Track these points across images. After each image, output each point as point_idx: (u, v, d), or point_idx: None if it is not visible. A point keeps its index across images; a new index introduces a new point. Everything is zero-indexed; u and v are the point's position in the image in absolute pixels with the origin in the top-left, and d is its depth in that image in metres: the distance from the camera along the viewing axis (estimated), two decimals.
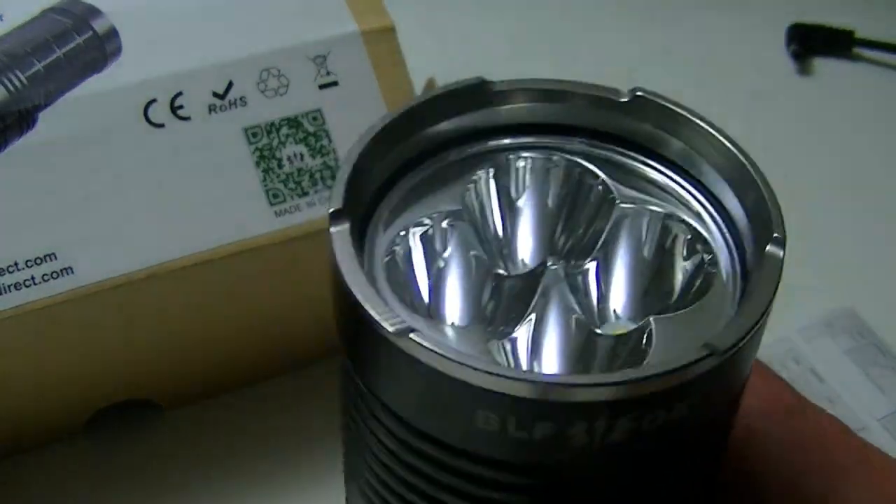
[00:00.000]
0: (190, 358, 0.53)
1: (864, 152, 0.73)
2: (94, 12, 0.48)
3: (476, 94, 0.34)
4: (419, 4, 0.73)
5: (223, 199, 0.47)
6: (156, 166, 0.47)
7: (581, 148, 0.35)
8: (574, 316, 0.34)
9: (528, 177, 0.35)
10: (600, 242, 0.35)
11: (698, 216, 0.34)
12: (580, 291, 0.35)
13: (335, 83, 0.49)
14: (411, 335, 0.27)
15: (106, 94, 0.47)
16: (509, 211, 0.35)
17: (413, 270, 0.33)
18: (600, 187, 0.34)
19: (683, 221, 0.34)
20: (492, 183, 0.35)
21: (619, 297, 0.35)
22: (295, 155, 0.48)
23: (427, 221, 0.33)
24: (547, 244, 0.35)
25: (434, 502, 0.30)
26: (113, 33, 0.48)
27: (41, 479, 0.53)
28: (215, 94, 0.48)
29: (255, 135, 0.48)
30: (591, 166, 0.34)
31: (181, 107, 0.48)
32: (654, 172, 0.34)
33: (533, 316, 0.34)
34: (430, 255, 0.34)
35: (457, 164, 0.34)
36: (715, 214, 0.33)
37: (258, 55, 0.49)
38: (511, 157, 0.35)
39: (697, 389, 0.28)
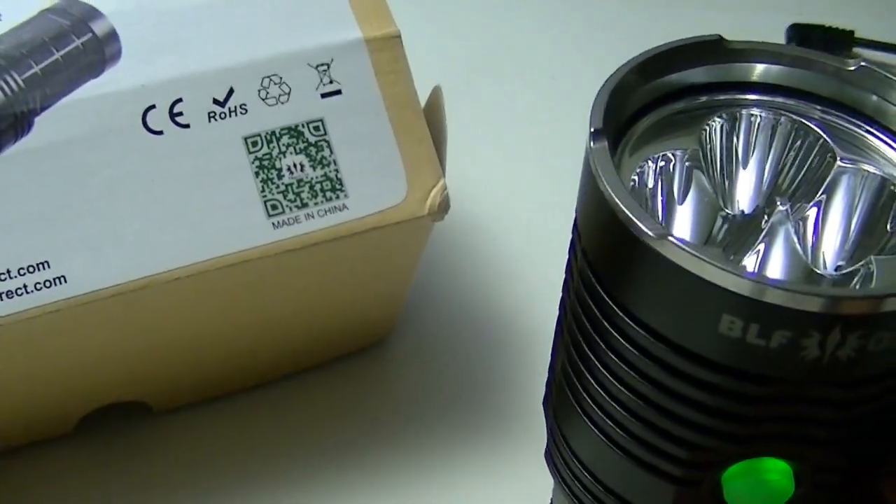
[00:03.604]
0: (183, 363, 0.52)
1: None
2: (94, 14, 0.47)
3: (714, 49, 0.37)
4: (421, 8, 0.73)
5: (220, 209, 0.46)
6: (153, 174, 0.46)
7: (805, 110, 0.38)
8: (798, 254, 0.37)
9: (756, 130, 0.38)
10: (818, 193, 0.37)
11: None
12: (799, 234, 0.38)
13: (338, 92, 0.48)
14: (670, 238, 0.30)
15: (104, 98, 0.46)
16: (737, 158, 0.38)
17: (653, 198, 0.37)
18: (821, 146, 0.37)
19: None
20: (724, 131, 0.38)
21: (830, 246, 0.38)
22: (295, 165, 0.47)
23: (669, 155, 0.37)
24: (771, 189, 0.38)
25: (665, 413, 0.33)
26: (113, 36, 0.47)
27: (31, 479, 0.52)
28: (215, 101, 0.47)
29: (254, 144, 0.47)
30: (814, 126, 0.37)
31: (180, 113, 0.47)
32: (874, 139, 0.37)
33: (761, 248, 0.38)
34: (667, 186, 0.37)
35: (693, 110, 0.37)
36: None
37: (260, 61, 0.48)
38: (743, 111, 0.38)
39: None
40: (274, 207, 0.47)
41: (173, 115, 0.46)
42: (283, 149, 0.47)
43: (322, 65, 0.48)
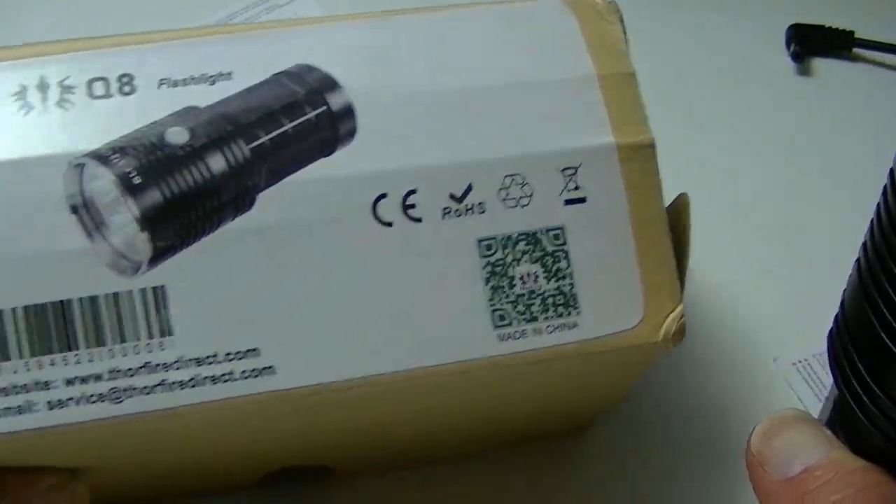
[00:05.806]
0: (375, 442, 0.49)
1: (864, 153, 0.71)
2: (330, 84, 0.44)
3: None
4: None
5: (444, 314, 0.43)
6: (377, 269, 0.43)
7: None
8: None
9: None
10: None
11: None
12: None
13: (583, 199, 0.44)
14: None
15: (333, 181, 0.43)
16: None
17: None
18: None
19: None
20: None
21: None
22: (528, 275, 0.44)
23: None
24: None
25: None
26: (348, 112, 0.43)
27: None
28: (452, 197, 0.43)
29: (489, 247, 0.43)
30: None
31: (413, 206, 0.43)
32: None
33: None
34: None
35: None
36: None
37: (504, 159, 0.44)
38: None
39: None
40: (502, 318, 0.43)
41: (406, 207, 0.43)
42: (518, 256, 0.44)
43: (569, 168, 0.44)
